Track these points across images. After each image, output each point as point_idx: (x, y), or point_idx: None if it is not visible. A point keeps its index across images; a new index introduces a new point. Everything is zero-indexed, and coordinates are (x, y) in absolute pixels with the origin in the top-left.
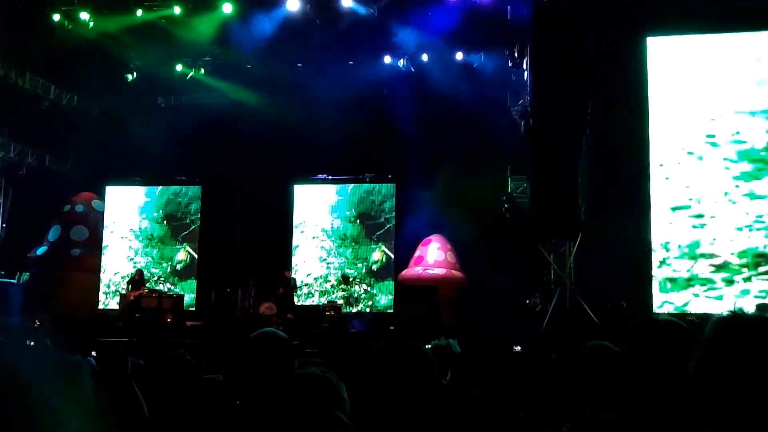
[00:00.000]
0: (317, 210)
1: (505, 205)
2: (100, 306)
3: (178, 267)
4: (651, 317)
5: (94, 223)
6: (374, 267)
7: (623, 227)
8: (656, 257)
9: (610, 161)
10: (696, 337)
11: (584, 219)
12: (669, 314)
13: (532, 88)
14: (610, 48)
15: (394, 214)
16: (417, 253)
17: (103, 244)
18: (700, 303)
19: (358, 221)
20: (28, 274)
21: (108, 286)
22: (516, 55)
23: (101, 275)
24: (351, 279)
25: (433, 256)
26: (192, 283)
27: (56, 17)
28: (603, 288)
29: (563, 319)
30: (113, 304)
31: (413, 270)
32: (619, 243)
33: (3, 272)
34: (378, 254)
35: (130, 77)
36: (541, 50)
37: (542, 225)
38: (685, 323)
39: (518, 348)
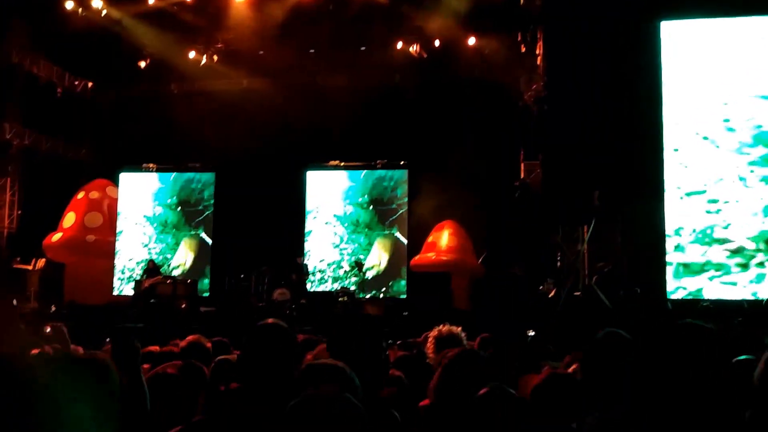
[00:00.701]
0: (330, 196)
1: (518, 191)
2: (115, 292)
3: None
4: (674, 321)
5: (109, 209)
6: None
7: (637, 212)
8: (670, 243)
9: (624, 146)
10: (718, 340)
11: (597, 204)
12: (683, 300)
13: (545, 73)
14: (623, 32)
15: (406, 200)
16: (430, 239)
17: (117, 231)
18: (714, 289)
19: (371, 207)
20: (43, 260)
21: (123, 272)
22: (529, 39)
23: (115, 261)
24: (364, 265)
25: (446, 242)
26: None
27: (69, 4)
28: (616, 274)
29: (576, 306)
30: (128, 290)
31: (426, 256)
32: (633, 228)
33: (19, 258)
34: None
35: (143, 64)
36: (554, 35)
37: (555, 210)
38: (700, 309)
39: (531, 333)
